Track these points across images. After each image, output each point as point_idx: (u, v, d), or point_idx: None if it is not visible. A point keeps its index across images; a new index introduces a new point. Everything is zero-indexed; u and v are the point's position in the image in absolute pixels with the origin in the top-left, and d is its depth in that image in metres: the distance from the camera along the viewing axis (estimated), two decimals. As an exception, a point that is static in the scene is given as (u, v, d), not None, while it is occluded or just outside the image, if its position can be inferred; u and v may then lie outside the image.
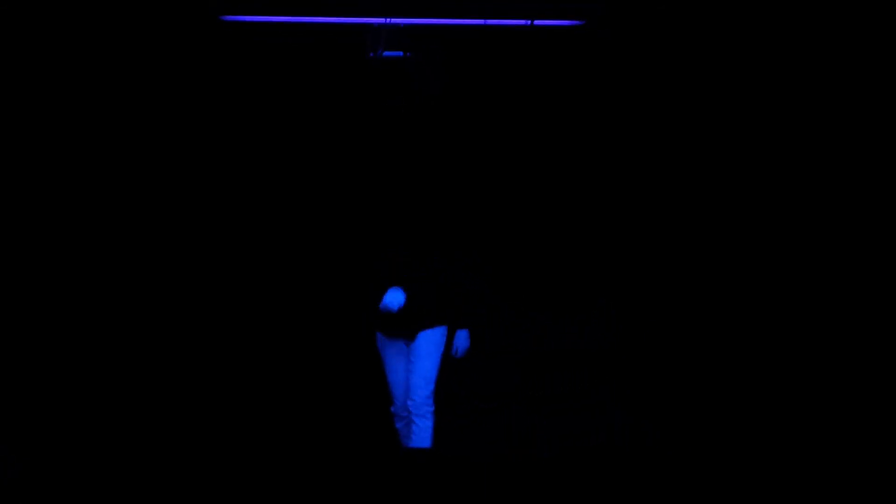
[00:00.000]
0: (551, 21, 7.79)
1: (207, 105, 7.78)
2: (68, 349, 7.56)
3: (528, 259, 7.70)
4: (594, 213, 7.92)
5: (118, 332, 7.65)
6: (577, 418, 7.65)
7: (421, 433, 6.69)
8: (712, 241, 7.88)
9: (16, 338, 7.47)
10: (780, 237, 7.81)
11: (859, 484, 6.72)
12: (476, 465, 7.06)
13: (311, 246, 7.90)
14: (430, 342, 6.75)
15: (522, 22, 7.76)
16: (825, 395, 7.61)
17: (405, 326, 6.74)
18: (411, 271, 6.73)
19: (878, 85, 7.64)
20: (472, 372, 7.78)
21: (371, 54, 7.78)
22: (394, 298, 6.65)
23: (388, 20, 7.70)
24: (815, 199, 7.77)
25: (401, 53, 7.78)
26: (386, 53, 7.76)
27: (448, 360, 6.87)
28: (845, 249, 7.72)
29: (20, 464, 6.50)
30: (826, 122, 7.78)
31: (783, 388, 7.72)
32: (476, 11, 7.70)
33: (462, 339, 6.78)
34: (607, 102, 7.97)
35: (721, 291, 7.88)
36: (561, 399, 7.45)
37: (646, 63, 7.90)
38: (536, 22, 7.77)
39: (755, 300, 7.83)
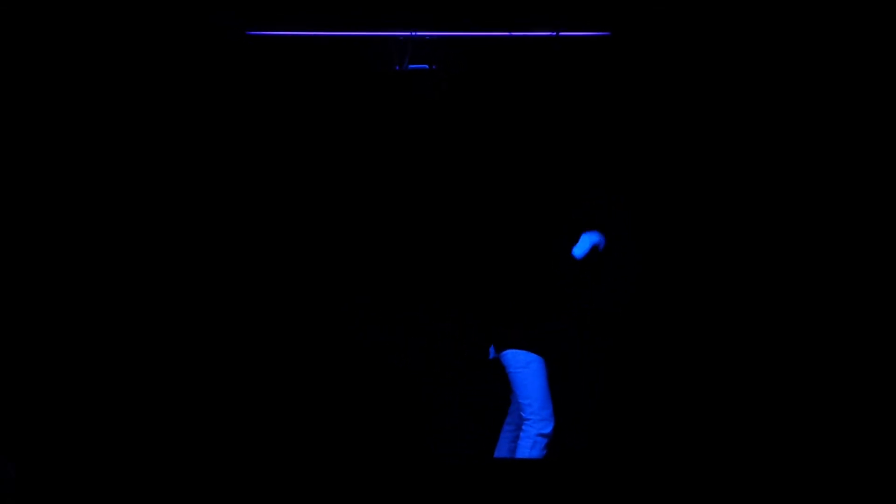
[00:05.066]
0: (577, 32, 7.75)
1: (233, 117, 7.88)
2: (67, 349, 7.63)
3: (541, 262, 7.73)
4: (620, 221, 7.99)
5: (118, 332, 7.73)
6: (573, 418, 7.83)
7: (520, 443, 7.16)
8: (739, 247, 7.93)
9: (14, 338, 7.58)
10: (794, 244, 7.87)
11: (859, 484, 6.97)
12: (474, 466, 7.33)
13: (336, 253, 8.07)
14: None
15: (548, 33, 7.73)
16: (824, 395, 7.69)
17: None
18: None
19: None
20: (468, 374, 7.99)
21: (397, 67, 7.82)
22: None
23: (413, 34, 7.71)
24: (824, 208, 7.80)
25: (426, 66, 7.82)
26: (411, 66, 7.80)
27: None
28: (845, 250, 7.74)
29: (16, 467, 6.63)
30: (848, 131, 7.75)
31: (782, 388, 7.80)
32: (502, 23, 7.68)
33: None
34: (633, 113, 7.94)
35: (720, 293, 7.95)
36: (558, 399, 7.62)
37: (671, 74, 7.83)
38: (562, 33, 7.73)
39: (754, 301, 7.89)
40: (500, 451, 7.34)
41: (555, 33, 7.72)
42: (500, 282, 7.40)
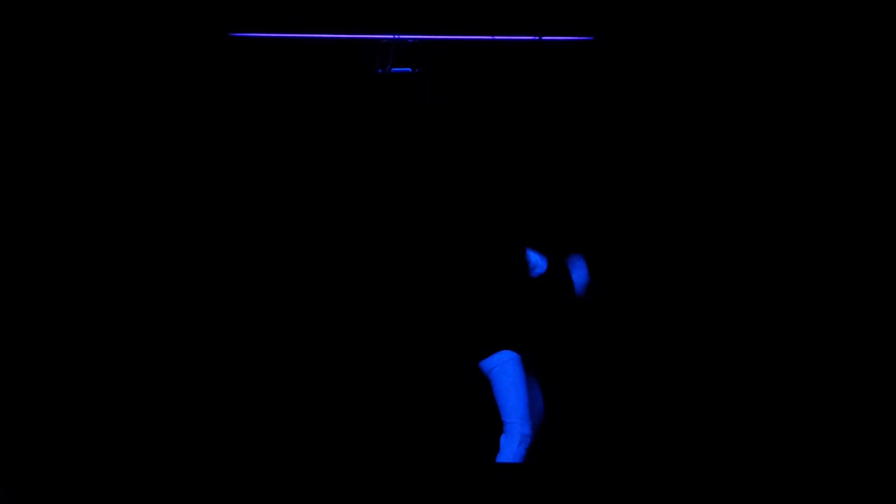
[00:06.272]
0: (560, 37, 7.83)
1: (216, 119, 7.85)
2: (68, 349, 7.53)
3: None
4: (598, 226, 7.88)
5: (118, 332, 7.63)
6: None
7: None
8: (720, 251, 7.84)
9: (14, 338, 7.47)
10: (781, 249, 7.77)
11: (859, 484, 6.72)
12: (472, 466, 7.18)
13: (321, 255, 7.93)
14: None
15: (531, 38, 7.81)
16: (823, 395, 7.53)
17: None
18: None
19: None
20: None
21: (380, 70, 7.84)
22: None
23: (397, 36, 7.77)
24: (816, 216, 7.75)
25: (409, 69, 7.84)
26: (395, 69, 7.82)
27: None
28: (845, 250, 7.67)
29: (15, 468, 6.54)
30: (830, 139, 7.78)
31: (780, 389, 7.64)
32: (485, 27, 7.77)
33: None
34: (615, 117, 7.94)
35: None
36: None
37: (654, 79, 7.90)
38: (545, 38, 7.81)
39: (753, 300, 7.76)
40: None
41: (537, 38, 7.80)
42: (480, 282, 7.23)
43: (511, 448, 6.77)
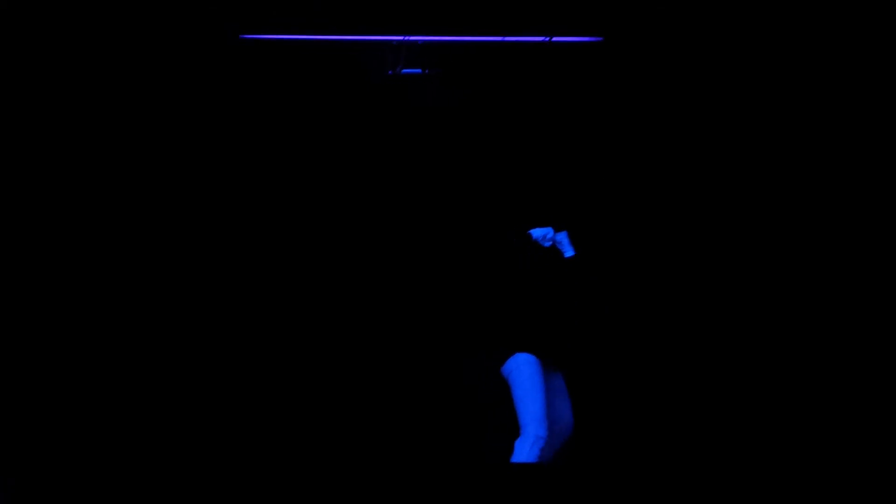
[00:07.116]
0: (570, 38, 7.80)
1: (226, 120, 7.90)
2: (68, 349, 7.62)
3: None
4: (607, 229, 8.00)
5: (118, 332, 7.72)
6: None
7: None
8: (731, 249, 7.95)
9: (15, 338, 7.57)
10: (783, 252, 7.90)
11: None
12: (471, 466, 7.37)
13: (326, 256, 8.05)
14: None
15: (541, 38, 7.78)
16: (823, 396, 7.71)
17: None
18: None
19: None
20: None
21: (390, 72, 7.85)
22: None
23: (407, 38, 7.75)
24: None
25: (420, 70, 7.84)
26: (405, 71, 7.83)
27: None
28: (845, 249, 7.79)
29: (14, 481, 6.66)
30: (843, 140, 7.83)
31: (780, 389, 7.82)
32: (495, 28, 7.73)
33: None
34: (624, 118, 7.98)
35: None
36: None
37: (663, 80, 7.90)
38: (555, 38, 7.78)
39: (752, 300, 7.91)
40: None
41: (547, 38, 7.77)
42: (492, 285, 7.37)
43: (524, 449, 6.78)
